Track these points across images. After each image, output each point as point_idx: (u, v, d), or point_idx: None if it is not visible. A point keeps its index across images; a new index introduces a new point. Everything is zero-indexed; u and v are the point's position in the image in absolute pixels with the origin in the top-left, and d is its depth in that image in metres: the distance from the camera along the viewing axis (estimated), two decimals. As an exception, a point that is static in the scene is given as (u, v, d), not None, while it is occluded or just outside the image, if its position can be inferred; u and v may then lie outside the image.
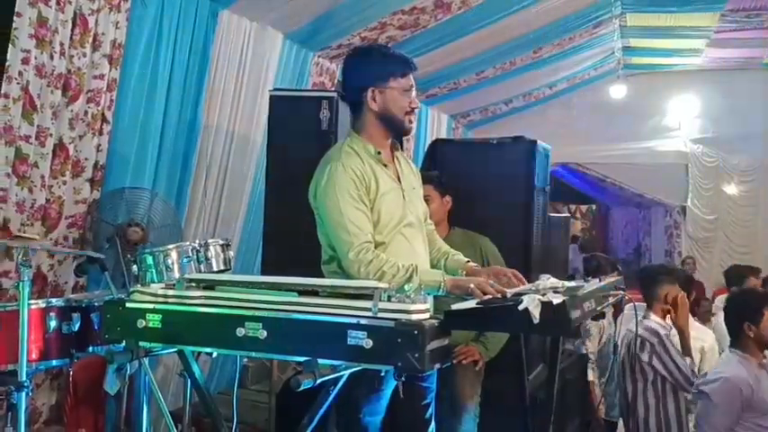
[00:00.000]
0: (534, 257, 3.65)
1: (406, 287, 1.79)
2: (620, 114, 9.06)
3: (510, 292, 2.07)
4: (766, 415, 3.08)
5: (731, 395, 3.07)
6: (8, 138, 3.16)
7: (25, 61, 3.16)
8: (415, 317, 1.75)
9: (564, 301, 1.81)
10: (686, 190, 9.17)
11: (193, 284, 2.10)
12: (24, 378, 2.35)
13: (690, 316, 3.64)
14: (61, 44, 3.31)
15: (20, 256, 2.38)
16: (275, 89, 4.14)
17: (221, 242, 2.99)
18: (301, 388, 1.71)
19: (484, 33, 6.00)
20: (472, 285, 2.10)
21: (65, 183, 3.44)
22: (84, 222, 3.56)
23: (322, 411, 2.02)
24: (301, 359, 1.80)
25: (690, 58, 8.57)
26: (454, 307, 1.92)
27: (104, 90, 3.55)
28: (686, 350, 3.44)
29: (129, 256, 2.98)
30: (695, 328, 3.82)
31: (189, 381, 2.85)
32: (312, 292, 1.94)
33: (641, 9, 6.87)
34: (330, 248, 2.29)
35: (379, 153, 2.35)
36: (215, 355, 2.54)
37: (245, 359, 4.13)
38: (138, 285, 2.22)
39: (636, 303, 4.85)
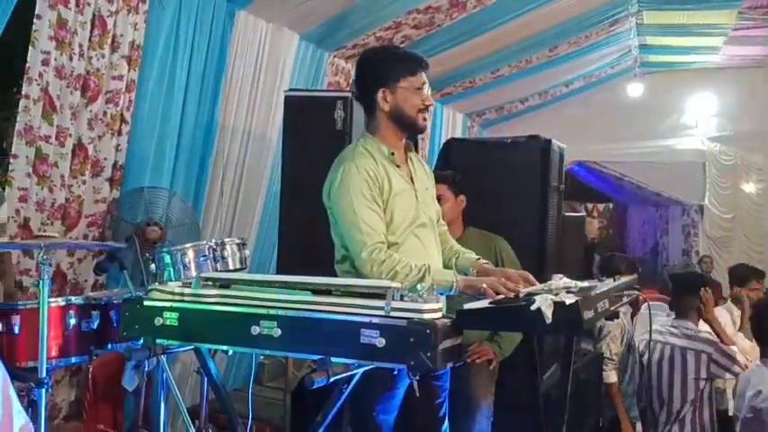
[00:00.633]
0: (549, 257, 3.64)
1: (418, 287, 1.81)
2: (637, 112, 9.00)
3: (523, 291, 2.08)
4: None
5: None
6: (28, 138, 3.21)
7: (45, 62, 3.21)
8: (427, 316, 1.76)
9: (576, 300, 1.81)
10: (703, 188, 9.09)
11: (209, 283, 2.13)
12: (44, 375, 2.39)
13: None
14: (80, 45, 3.36)
15: (40, 255, 2.42)
16: (290, 89, 4.16)
17: (237, 241, 3.02)
18: (315, 386, 1.74)
19: (499, 32, 5.99)
20: (485, 285, 2.12)
21: (84, 182, 3.49)
22: (103, 221, 3.61)
23: (335, 409, 2.04)
24: (315, 357, 1.82)
25: (707, 55, 8.49)
26: (467, 306, 1.93)
27: (123, 91, 3.60)
28: (724, 338, 3.57)
29: (147, 254, 3.02)
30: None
31: (205, 378, 2.89)
32: (326, 291, 1.97)
33: (658, 7, 6.82)
34: (343, 248, 2.31)
35: (392, 154, 2.36)
36: (231, 352, 2.58)
37: (261, 357, 4.17)
38: (156, 284, 2.25)
39: (653, 303, 4.84)
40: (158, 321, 2.04)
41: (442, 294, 2.05)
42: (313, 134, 3.54)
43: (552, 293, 1.90)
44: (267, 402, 3.97)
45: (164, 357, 2.58)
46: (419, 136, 2.96)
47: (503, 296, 2.07)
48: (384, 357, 1.76)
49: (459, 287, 2.18)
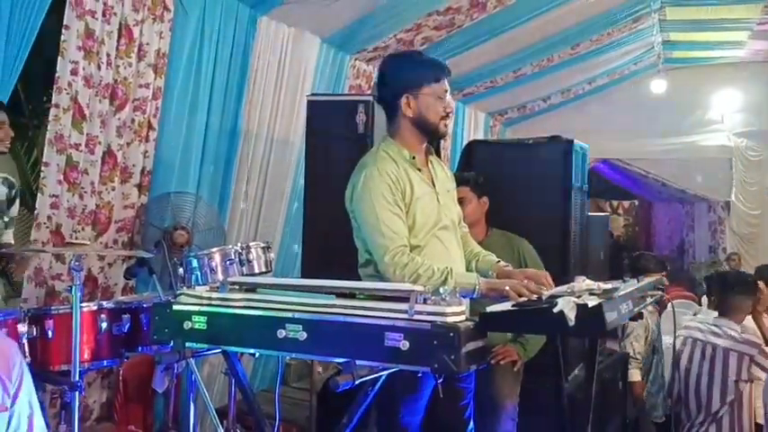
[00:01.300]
0: (573, 258, 3.64)
1: (440, 290, 1.83)
2: (661, 109, 8.90)
3: (545, 294, 2.09)
4: None
5: None
6: (59, 146, 3.29)
7: (74, 72, 3.28)
8: (450, 319, 1.79)
9: (599, 303, 1.83)
10: (730, 185, 8.96)
11: (236, 287, 2.18)
12: (77, 378, 2.45)
13: None
14: (108, 55, 3.43)
15: (72, 261, 2.49)
16: (312, 94, 4.20)
17: (262, 245, 3.06)
18: (340, 390, 1.77)
19: (520, 31, 5.96)
20: (507, 287, 2.13)
21: (113, 188, 3.57)
22: (132, 226, 3.69)
23: (361, 412, 2.07)
24: (340, 360, 1.85)
25: (732, 50, 8.37)
26: (489, 309, 1.95)
27: (150, 98, 3.66)
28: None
29: (175, 258, 3.09)
30: None
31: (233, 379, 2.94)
32: (350, 294, 2.00)
33: (681, 2, 6.75)
34: (366, 252, 2.34)
35: (413, 158, 2.39)
36: (257, 354, 2.62)
37: (287, 358, 4.22)
38: (185, 288, 2.30)
39: (679, 301, 4.80)
40: (187, 325, 2.09)
41: (464, 297, 2.07)
42: (335, 138, 3.57)
43: (575, 295, 1.92)
44: (293, 403, 4.01)
45: (192, 360, 2.63)
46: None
47: (525, 298, 2.08)
48: (408, 360, 1.78)
49: (481, 290, 2.20)
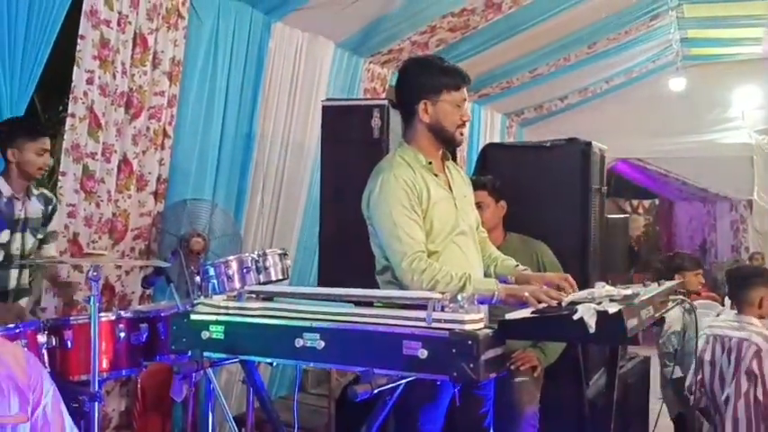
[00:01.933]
0: (592, 260, 3.59)
1: (458, 297, 1.80)
2: (680, 107, 8.79)
3: (565, 300, 2.06)
4: None
5: None
6: (75, 155, 3.31)
7: (89, 81, 3.30)
8: (469, 327, 1.76)
9: (620, 309, 1.79)
10: (752, 183, 8.82)
11: (253, 296, 2.17)
12: (97, 388, 2.45)
13: None
14: (123, 63, 3.45)
15: (90, 271, 2.49)
16: (327, 99, 4.19)
17: (279, 251, 3.04)
18: (358, 399, 1.75)
19: (536, 31, 5.92)
20: (527, 294, 2.10)
21: (130, 197, 3.58)
22: (149, 234, 3.70)
23: (380, 421, 2.05)
24: (358, 369, 1.83)
25: (750, 47, 8.26)
26: (509, 316, 1.92)
27: (165, 106, 3.67)
28: None
29: (192, 267, 3.08)
30: None
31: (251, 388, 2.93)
32: (367, 302, 1.98)
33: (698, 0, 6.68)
34: (384, 259, 2.32)
35: (430, 163, 2.37)
36: (275, 363, 2.61)
37: (305, 364, 4.21)
38: (202, 297, 2.30)
39: (702, 302, 4.73)
40: (205, 335, 2.08)
41: (482, 303, 2.05)
42: (351, 142, 3.56)
43: (595, 302, 1.88)
44: (311, 410, 4.00)
45: (210, 369, 2.62)
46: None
47: (545, 305, 2.05)
48: (427, 369, 1.76)
49: (500, 296, 2.18)
